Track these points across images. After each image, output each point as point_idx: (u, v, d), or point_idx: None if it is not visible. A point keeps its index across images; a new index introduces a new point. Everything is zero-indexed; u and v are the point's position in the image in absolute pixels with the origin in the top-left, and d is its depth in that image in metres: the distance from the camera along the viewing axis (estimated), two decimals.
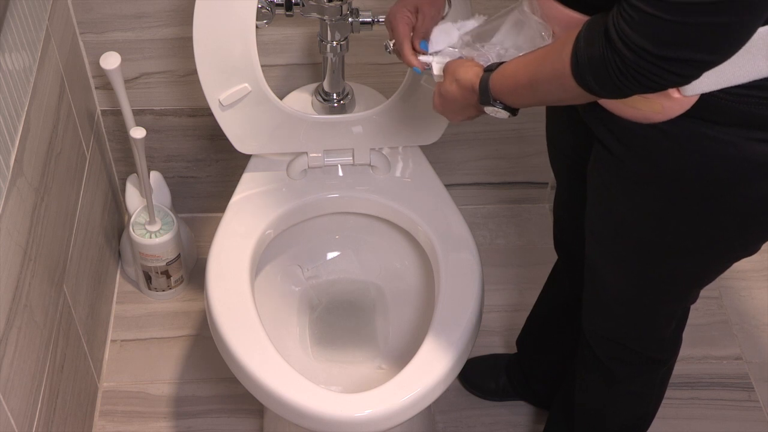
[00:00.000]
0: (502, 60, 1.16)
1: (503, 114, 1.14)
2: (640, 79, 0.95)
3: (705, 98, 1.02)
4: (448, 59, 1.24)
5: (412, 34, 1.30)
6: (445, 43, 1.26)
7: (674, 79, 0.95)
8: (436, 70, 1.25)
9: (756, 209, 1.11)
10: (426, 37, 1.28)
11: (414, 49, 1.30)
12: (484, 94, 1.13)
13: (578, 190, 1.30)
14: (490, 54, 1.19)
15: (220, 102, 1.52)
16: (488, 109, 1.15)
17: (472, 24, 1.26)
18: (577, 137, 1.28)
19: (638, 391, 1.49)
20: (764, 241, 1.19)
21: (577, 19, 1.04)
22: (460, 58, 1.22)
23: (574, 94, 1.02)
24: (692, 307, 2.01)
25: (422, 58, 1.28)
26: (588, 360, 1.47)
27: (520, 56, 1.11)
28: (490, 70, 1.14)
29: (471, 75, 1.16)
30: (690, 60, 0.92)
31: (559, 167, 1.43)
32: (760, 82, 1.00)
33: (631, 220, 1.18)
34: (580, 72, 0.99)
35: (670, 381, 1.89)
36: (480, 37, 1.23)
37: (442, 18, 1.31)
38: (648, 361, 1.42)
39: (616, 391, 1.49)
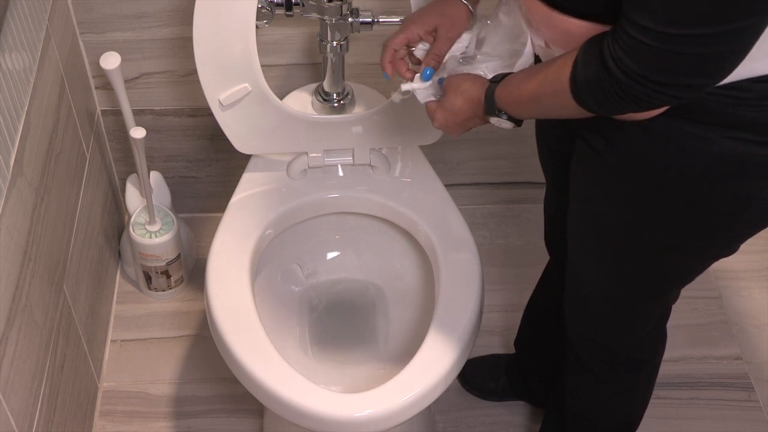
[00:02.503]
0: (496, 71, 1.19)
1: (507, 124, 1.16)
2: (637, 101, 0.96)
3: None
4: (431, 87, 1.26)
5: (411, 48, 1.29)
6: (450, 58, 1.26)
7: (672, 101, 0.97)
8: (422, 97, 1.26)
9: (735, 207, 1.11)
10: (438, 60, 1.26)
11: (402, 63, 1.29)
12: (490, 105, 1.16)
13: (565, 188, 1.31)
14: (481, 70, 1.22)
15: (220, 102, 1.52)
16: (493, 120, 1.17)
17: (464, 43, 1.27)
18: (563, 133, 1.29)
19: (624, 392, 1.51)
20: (743, 240, 1.20)
21: (560, 20, 1.04)
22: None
23: (575, 112, 1.04)
24: (692, 307, 2.04)
25: (404, 86, 1.28)
26: (573, 362, 1.49)
27: (524, 70, 1.13)
28: (495, 81, 1.16)
29: (477, 86, 1.18)
30: (689, 85, 0.94)
31: (547, 163, 1.44)
32: (738, 83, 1.00)
33: (613, 216, 1.19)
34: (578, 93, 1.01)
35: (671, 381, 1.91)
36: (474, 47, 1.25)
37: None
38: (630, 360, 1.44)
39: (601, 392, 1.50)
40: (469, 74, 1.21)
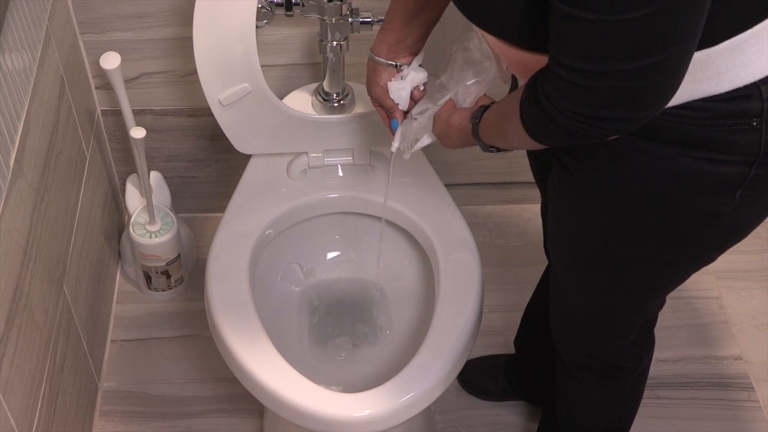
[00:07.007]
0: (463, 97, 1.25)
1: (503, 152, 1.20)
2: (577, 135, 0.98)
3: None
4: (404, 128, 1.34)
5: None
6: (404, 98, 1.34)
7: (611, 133, 0.99)
8: (397, 142, 1.35)
9: (701, 223, 1.12)
10: (396, 113, 1.35)
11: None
12: (480, 143, 1.20)
13: None
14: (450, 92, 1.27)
15: (220, 102, 1.52)
16: (488, 153, 1.21)
17: (415, 74, 1.33)
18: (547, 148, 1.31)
19: (609, 397, 1.51)
20: (720, 253, 1.21)
21: (514, 52, 1.06)
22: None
23: (540, 146, 1.07)
24: (692, 307, 2.04)
25: (392, 149, 1.36)
26: (560, 365, 1.49)
27: (493, 109, 1.16)
28: (475, 122, 1.19)
29: (465, 123, 1.22)
30: (621, 118, 0.95)
31: (537, 174, 1.46)
32: (690, 103, 1.02)
33: (582, 230, 1.21)
34: (531, 133, 1.04)
35: (671, 381, 1.91)
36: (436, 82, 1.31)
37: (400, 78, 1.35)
38: (611, 368, 1.44)
39: (587, 396, 1.51)
40: (454, 111, 1.25)
